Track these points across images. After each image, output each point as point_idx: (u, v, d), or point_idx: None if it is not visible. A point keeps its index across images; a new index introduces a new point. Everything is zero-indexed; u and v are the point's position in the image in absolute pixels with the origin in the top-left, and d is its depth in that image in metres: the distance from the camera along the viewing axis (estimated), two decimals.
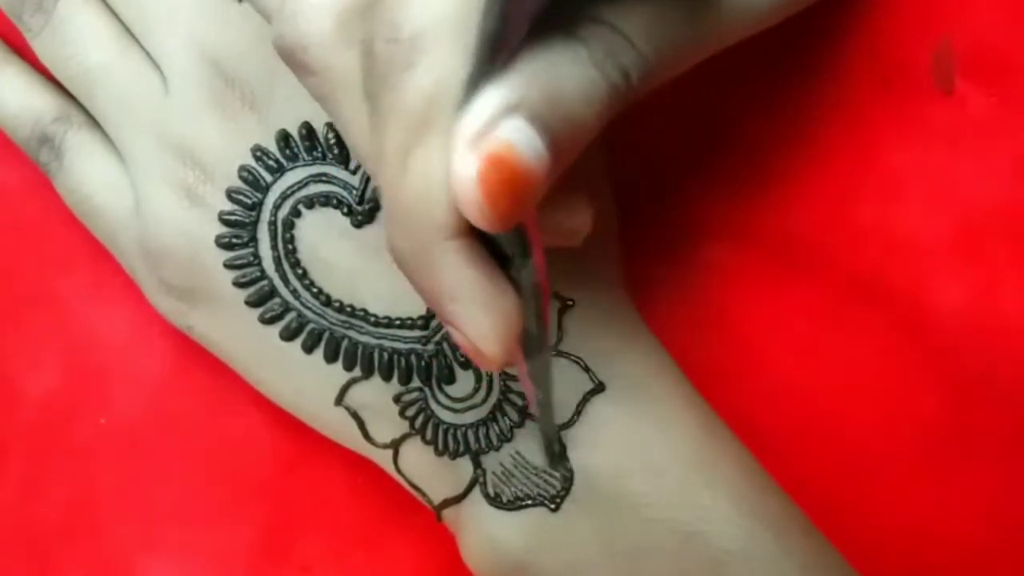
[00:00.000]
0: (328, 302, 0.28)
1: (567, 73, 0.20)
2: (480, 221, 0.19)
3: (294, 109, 0.28)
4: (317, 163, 0.28)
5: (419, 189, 0.20)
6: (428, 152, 0.20)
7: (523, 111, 0.19)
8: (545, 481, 0.27)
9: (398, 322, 0.28)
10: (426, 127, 0.20)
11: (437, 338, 0.28)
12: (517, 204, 0.19)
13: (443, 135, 0.20)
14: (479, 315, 0.21)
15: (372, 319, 0.28)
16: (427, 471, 0.29)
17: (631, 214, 0.32)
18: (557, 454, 0.27)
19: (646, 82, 0.22)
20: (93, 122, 0.31)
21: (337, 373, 0.28)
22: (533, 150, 0.19)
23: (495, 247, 0.21)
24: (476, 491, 0.28)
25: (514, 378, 0.28)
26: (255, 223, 0.28)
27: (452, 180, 0.19)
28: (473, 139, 0.19)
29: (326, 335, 0.28)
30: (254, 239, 0.28)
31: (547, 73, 0.20)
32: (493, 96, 0.19)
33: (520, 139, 0.19)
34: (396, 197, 0.21)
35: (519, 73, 0.19)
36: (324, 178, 0.28)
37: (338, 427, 0.29)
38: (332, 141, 0.28)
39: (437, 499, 0.29)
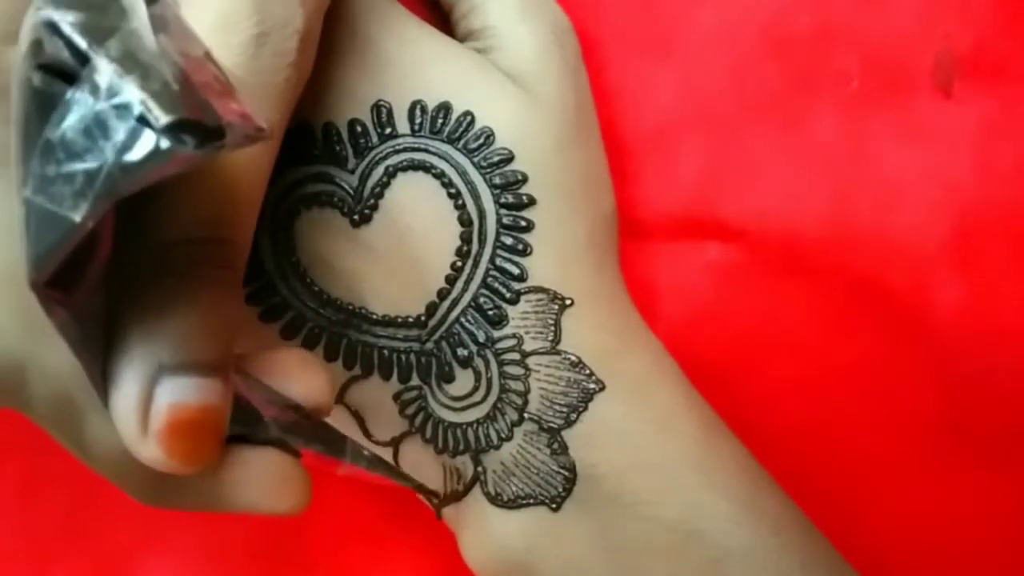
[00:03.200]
0: (327, 301, 0.28)
1: (192, 309, 0.18)
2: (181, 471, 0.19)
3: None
4: (315, 163, 0.29)
5: (112, 464, 0.21)
6: (95, 430, 0.20)
7: (170, 364, 0.18)
8: (546, 480, 0.27)
9: (398, 320, 0.28)
10: (72, 416, 0.20)
11: (436, 337, 0.28)
12: (208, 439, 0.19)
13: (94, 414, 0.19)
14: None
15: (371, 318, 0.28)
16: (427, 469, 0.29)
17: (630, 214, 0.32)
18: None
19: None
20: None
21: (337, 372, 0.28)
22: (201, 391, 0.18)
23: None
24: (476, 490, 0.28)
25: (515, 377, 0.28)
26: None
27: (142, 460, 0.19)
28: (136, 424, 0.18)
29: (325, 334, 0.28)
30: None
31: (172, 313, 0.18)
32: (131, 370, 0.18)
33: (184, 391, 0.18)
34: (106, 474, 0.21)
35: (142, 329, 0.18)
36: (322, 177, 0.28)
37: (338, 425, 0.29)
38: (334, 139, 0.28)
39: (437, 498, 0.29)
